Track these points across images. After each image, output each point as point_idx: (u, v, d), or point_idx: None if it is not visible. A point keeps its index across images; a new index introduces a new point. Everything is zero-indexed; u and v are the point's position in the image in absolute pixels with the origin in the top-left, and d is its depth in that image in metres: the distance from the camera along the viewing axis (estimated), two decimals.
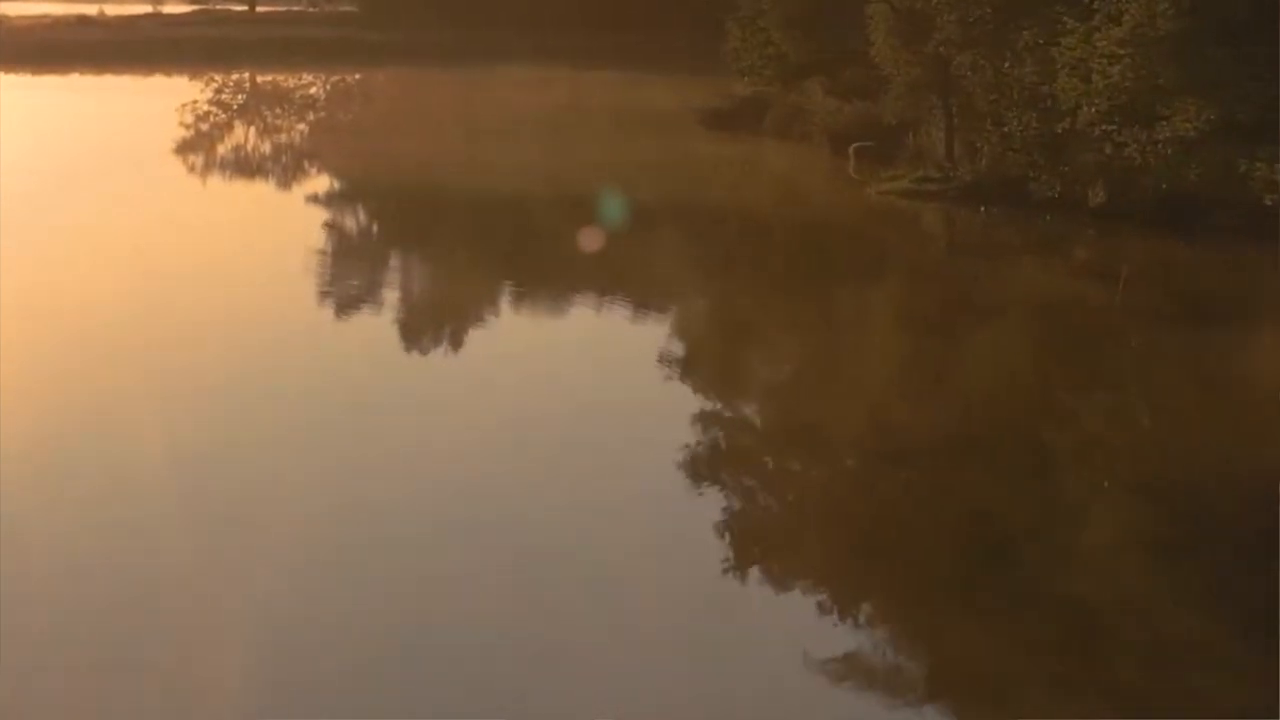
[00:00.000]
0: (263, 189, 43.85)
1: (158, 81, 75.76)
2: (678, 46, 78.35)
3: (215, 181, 44.02)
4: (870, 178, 39.84)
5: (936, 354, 24.83)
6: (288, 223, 37.05)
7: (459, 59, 77.94)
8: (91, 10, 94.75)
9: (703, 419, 20.77)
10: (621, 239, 33.84)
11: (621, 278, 29.72)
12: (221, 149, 51.53)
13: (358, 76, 78.13)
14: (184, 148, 50.43)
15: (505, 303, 28.56)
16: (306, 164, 49.41)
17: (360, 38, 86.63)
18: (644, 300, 28.12)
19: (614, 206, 37.05)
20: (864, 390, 22.67)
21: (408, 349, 25.05)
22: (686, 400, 21.76)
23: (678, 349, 24.94)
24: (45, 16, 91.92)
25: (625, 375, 23.56)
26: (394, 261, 33.77)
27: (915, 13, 38.26)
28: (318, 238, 34.58)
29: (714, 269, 32.48)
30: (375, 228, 38.37)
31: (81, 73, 76.01)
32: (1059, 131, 32.53)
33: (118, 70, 76.98)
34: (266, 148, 54.31)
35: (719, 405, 22.16)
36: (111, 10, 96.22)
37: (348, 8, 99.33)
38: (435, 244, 35.11)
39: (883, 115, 42.09)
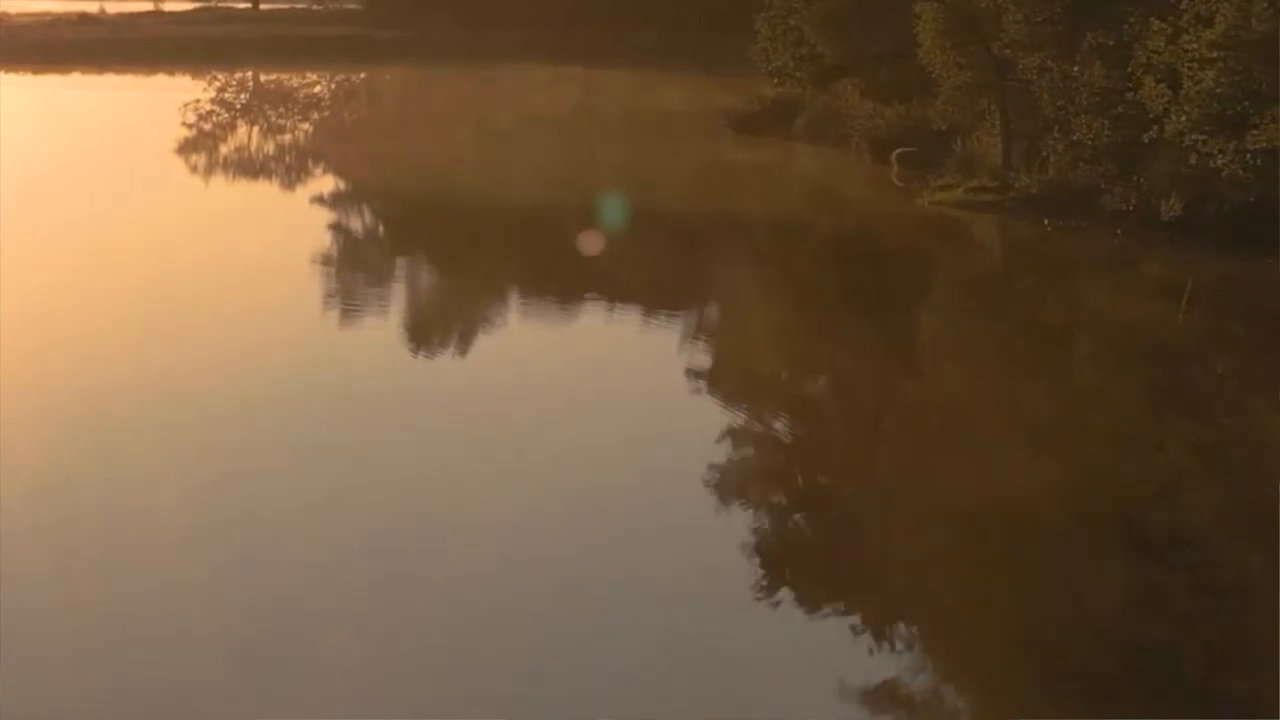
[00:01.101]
0: (265, 198, 40.58)
1: (160, 80, 72.75)
2: (691, 45, 75.45)
3: (216, 187, 41.26)
4: (916, 185, 36.70)
5: (1009, 388, 22.08)
6: (288, 237, 33.55)
7: (467, 57, 74.58)
8: (92, 8, 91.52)
9: (762, 454, 18.99)
10: (656, 255, 30.89)
11: (662, 302, 26.82)
12: (224, 151, 49.37)
13: (363, 75, 75.03)
14: (185, 149, 48.04)
15: (533, 324, 25.74)
16: (310, 170, 46.56)
17: (366, 35, 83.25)
18: (690, 328, 25.48)
19: (644, 219, 33.96)
20: (935, 430, 19.93)
21: (433, 373, 21.96)
22: (744, 433, 19.44)
23: (733, 382, 22.11)
24: (46, 14, 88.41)
25: (678, 408, 20.83)
26: (406, 279, 30.54)
27: (971, 12, 35.00)
28: (320, 253, 31.30)
29: (761, 290, 29.26)
30: (383, 241, 35.03)
31: (83, 71, 73.21)
32: (1144, 141, 29.16)
33: (119, 69, 73.95)
34: (269, 150, 51.79)
35: (783, 443, 19.73)
36: (112, 7, 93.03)
37: (353, 5, 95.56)
38: (451, 259, 31.76)
39: (929, 119, 38.92)
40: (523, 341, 24.24)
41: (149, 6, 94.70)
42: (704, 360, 23.23)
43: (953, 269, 31.09)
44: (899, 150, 39.41)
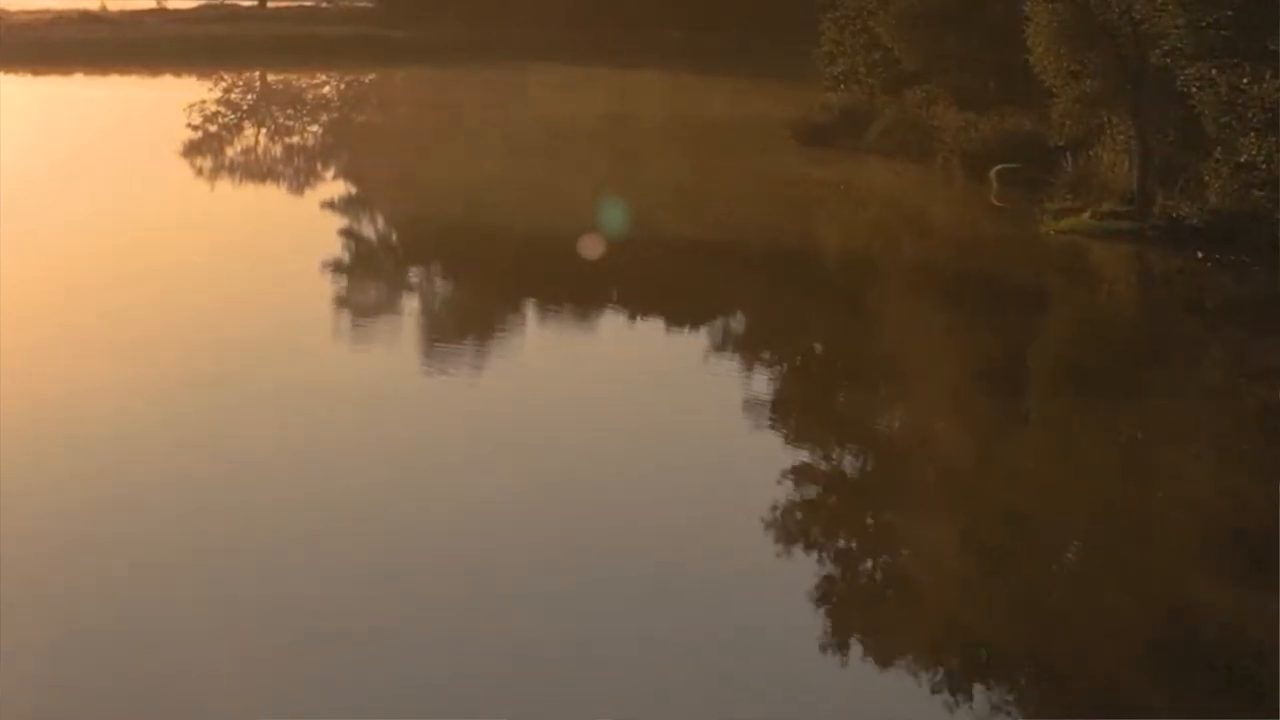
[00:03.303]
0: (267, 220, 34.72)
1: (166, 81, 67.31)
2: (722, 46, 70.09)
3: (218, 195, 37.51)
4: (1023, 208, 31.08)
5: (1180, 464, 17.15)
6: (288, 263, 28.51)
7: (483, 58, 68.79)
8: (94, 5, 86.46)
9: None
10: (732, 297, 25.79)
11: (752, 360, 21.80)
12: (229, 155, 45.63)
13: (374, 78, 69.12)
14: (190, 152, 44.14)
15: (587, 372, 21.07)
16: (314, 194, 40.00)
17: (378, 35, 77.35)
18: (782, 394, 20.19)
19: (709, 251, 28.75)
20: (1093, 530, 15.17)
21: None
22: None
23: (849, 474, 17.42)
24: (46, 11, 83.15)
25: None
26: (434, 345, 24.13)
27: (1099, 12, 29.29)
28: (323, 284, 26.62)
29: (868, 341, 23.41)
30: (401, 291, 28.58)
31: (85, 72, 68.07)
32: None
33: (123, 70, 68.58)
34: (276, 158, 46.83)
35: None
36: (114, 5, 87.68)
37: (364, 3, 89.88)
38: (485, 299, 26.30)
39: (1032, 132, 33.38)
40: (578, 392, 19.91)
41: (152, 4, 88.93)
42: (808, 443, 18.17)
43: (1095, 312, 25.47)
44: (999, 167, 33.70)
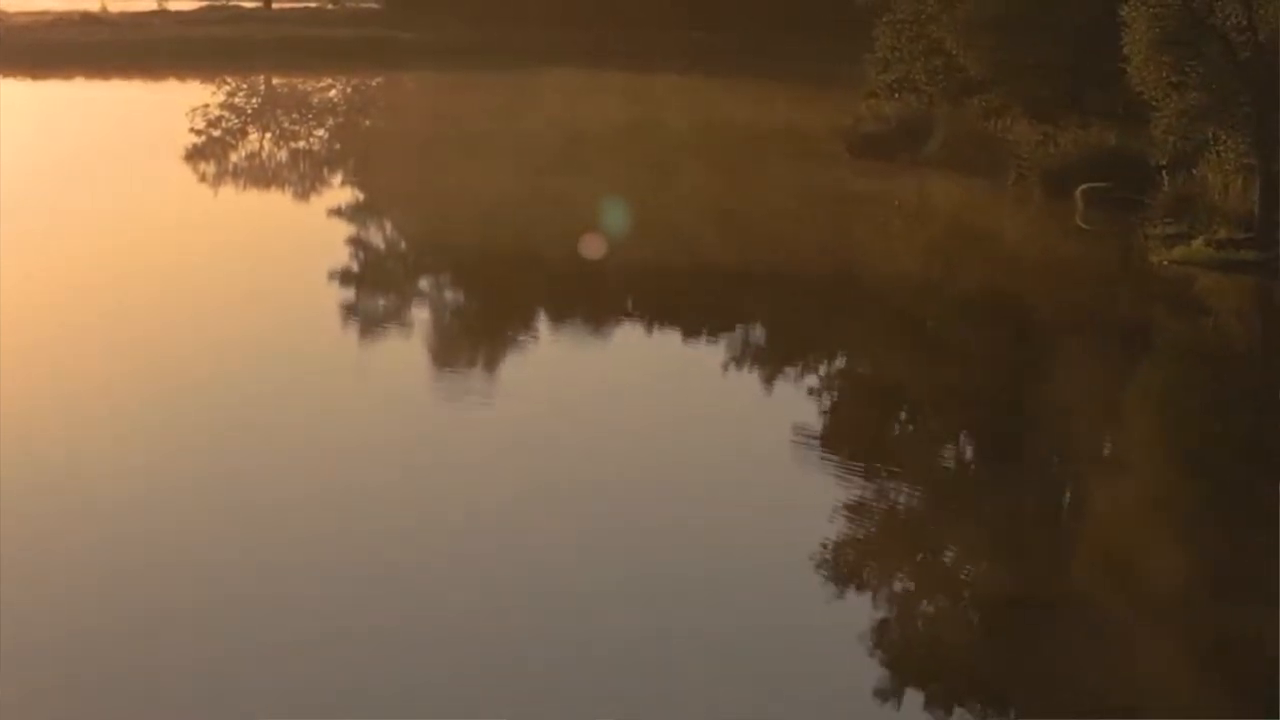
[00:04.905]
0: (266, 239, 31.62)
1: (169, 85, 64.82)
2: (739, 47, 67.46)
3: (219, 206, 35.33)
4: (1116, 233, 28.26)
5: None
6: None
7: (494, 61, 65.91)
8: (94, 6, 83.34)
9: None
10: (795, 342, 23.08)
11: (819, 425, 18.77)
12: (232, 162, 43.96)
13: (380, 81, 66.32)
14: (192, 157, 42.45)
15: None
16: (319, 204, 36.87)
17: (384, 37, 74.63)
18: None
19: (765, 283, 26.05)
20: None
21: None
22: None
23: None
24: (46, 13, 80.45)
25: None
26: (437, 352, 22.35)
27: (1210, 16, 26.30)
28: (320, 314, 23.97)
29: (944, 401, 19.76)
30: (405, 296, 26.56)
31: (86, 76, 65.51)
32: None
33: (125, 73, 65.88)
34: (280, 164, 44.75)
35: None
36: (115, 6, 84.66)
37: (371, 4, 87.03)
38: (497, 325, 23.76)
39: (1117, 147, 30.56)
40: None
41: (153, 5, 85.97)
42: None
43: (1224, 355, 22.18)
44: (1085, 186, 30.45)
